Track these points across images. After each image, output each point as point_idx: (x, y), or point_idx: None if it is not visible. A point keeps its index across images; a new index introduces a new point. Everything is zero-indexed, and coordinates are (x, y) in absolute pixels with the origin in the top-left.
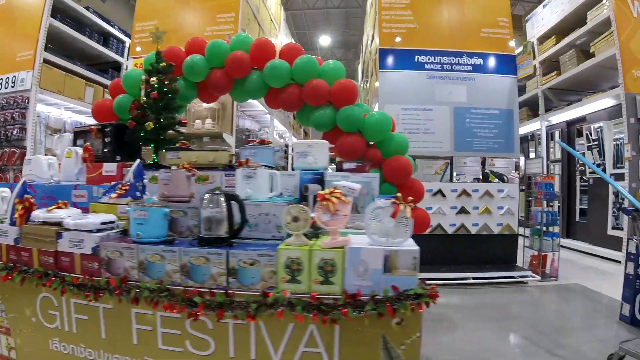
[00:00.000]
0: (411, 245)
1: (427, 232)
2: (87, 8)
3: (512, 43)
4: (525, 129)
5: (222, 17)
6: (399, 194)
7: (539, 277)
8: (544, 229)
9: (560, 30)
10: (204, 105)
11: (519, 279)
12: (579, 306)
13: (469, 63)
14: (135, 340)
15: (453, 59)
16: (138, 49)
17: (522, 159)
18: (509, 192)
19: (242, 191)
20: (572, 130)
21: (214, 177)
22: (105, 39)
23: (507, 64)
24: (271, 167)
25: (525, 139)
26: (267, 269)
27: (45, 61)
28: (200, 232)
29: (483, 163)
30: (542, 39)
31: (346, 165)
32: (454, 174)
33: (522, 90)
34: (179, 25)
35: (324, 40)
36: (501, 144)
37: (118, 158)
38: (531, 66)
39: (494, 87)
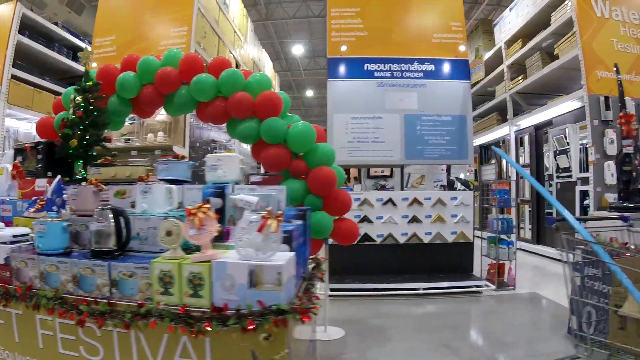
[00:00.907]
0: (276, 261)
1: (378, 241)
2: (55, 23)
3: (462, 47)
4: (495, 134)
5: (176, 31)
6: (269, 208)
7: (494, 287)
8: (503, 236)
9: (526, 34)
10: (157, 118)
11: (474, 289)
12: (528, 317)
13: (420, 69)
14: (41, 345)
15: (403, 66)
16: (94, 64)
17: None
18: (463, 200)
19: (139, 205)
20: (540, 135)
21: (131, 191)
22: (75, 53)
23: (460, 69)
24: (186, 182)
25: (498, 145)
26: (144, 281)
27: (14, 77)
28: (92, 245)
29: (448, 170)
30: (510, 43)
31: (253, 178)
32: (432, 181)
33: (492, 95)
34: (135, 39)
35: (298, 49)
36: (454, 150)
37: (49, 174)
38: (482, 71)
39: (447, 93)
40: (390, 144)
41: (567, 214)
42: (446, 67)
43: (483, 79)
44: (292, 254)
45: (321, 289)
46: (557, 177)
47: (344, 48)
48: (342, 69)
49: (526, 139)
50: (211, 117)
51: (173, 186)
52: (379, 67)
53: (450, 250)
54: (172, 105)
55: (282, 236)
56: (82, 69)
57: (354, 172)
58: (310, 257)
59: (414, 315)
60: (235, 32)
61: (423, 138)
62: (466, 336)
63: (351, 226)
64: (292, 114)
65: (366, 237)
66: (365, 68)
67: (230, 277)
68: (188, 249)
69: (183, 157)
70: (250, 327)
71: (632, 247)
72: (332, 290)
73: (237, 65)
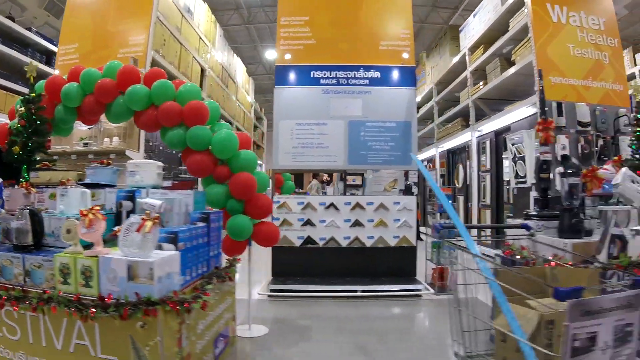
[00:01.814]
0: (151, 258)
1: (321, 244)
2: (29, 29)
3: (405, 55)
4: (460, 139)
5: (134, 39)
6: (148, 211)
7: (433, 291)
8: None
9: (487, 40)
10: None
11: (414, 293)
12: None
13: (365, 76)
14: None
15: (349, 73)
16: (56, 72)
17: (461, 168)
18: (406, 205)
19: (57, 207)
20: (500, 140)
21: None
22: (48, 57)
23: (406, 75)
24: (111, 186)
25: (464, 150)
26: (49, 272)
27: None
28: (14, 240)
29: (406, 175)
30: (473, 49)
31: (165, 183)
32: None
33: (456, 101)
34: (96, 48)
35: (271, 54)
36: (398, 156)
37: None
38: (425, 77)
39: (392, 100)
40: (334, 150)
41: (458, 222)
42: (392, 74)
43: (449, 84)
44: (174, 252)
45: (265, 288)
46: (516, 182)
47: (287, 56)
48: (288, 76)
49: (487, 144)
50: (144, 125)
51: (87, 190)
52: (325, 74)
53: (393, 254)
54: (111, 114)
55: (169, 237)
56: (55, 72)
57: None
58: (230, 257)
59: (343, 317)
60: (200, 38)
61: (367, 144)
62: (386, 340)
63: (271, 229)
64: (223, 122)
65: (309, 240)
66: (312, 75)
67: (113, 270)
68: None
69: (109, 162)
70: (125, 315)
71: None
72: (272, 290)
73: (203, 71)
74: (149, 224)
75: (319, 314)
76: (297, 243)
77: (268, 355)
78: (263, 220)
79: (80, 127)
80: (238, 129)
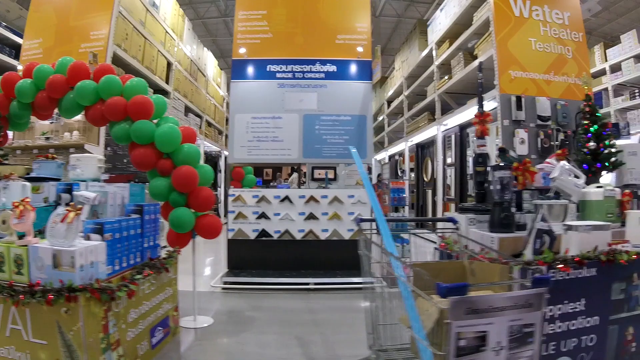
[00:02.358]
0: (74, 247)
1: (275, 237)
2: None
3: (360, 49)
4: (427, 134)
5: (95, 34)
6: (73, 203)
7: (386, 284)
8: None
9: (452, 34)
10: (75, 117)
11: (367, 286)
12: (402, 313)
13: (321, 70)
14: None
15: (305, 67)
16: (19, 67)
17: (430, 163)
18: (360, 198)
19: (0, 199)
20: (464, 134)
21: None
22: (17, 52)
23: (362, 69)
24: (56, 179)
25: (432, 144)
26: None
27: None
28: None
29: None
30: (439, 43)
31: (103, 176)
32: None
33: (423, 95)
34: (59, 43)
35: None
36: None
37: None
38: (379, 71)
39: (347, 93)
40: (288, 143)
41: (378, 215)
42: (348, 68)
43: (418, 78)
44: (99, 243)
45: (219, 281)
46: None
47: (242, 50)
48: (245, 70)
49: (452, 138)
50: (93, 119)
51: (27, 183)
52: (281, 68)
53: (347, 247)
54: (62, 109)
55: (95, 228)
56: (19, 67)
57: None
58: (172, 249)
59: (291, 310)
60: (167, 32)
61: (321, 137)
62: (325, 332)
63: (213, 221)
64: (170, 116)
65: (264, 233)
66: (268, 69)
67: (40, 259)
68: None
69: (53, 157)
70: (50, 301)
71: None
72: (225, 283)
73: (169, 65)
74: (71, 215)
75: (268, 306)
76: (252, 236)
77: (206, 344)
78: (206, 212)
79: (42, 122)
80: (208, 123)
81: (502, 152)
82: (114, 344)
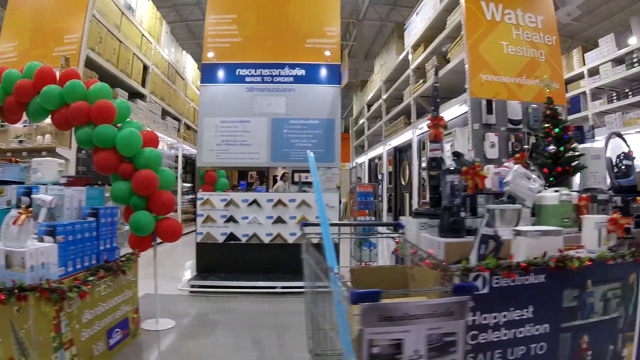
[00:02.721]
0: (24, 248)
1: (243, 241)
2: None
3: (328, 52)
4: (403, 137)
5: (69, 37)
6: (25, 206)
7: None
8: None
9: (427, 38)
10: (47, 120)
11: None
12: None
13: (290, 74)
14: None
15: (274, 71)
16: None
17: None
18: (328, 202)
19: None
20: None
21: None
22: None
23: (331, 73)
24: (20, 183)
25: (409, 148)
26: None
27: None
28: None
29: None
30: (415, 47)
31: (62, 180)
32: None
33: (400, 98)
34: (33, 46)
35: None
36: (320, 153)
37: None
38: (347, 76)
39: (316, 97)
40: (256, 147)
41: (323, 219)
42: (317, 72)
43: (395, 82)
44: (50, 244)
45: (187, 284)
46: None
47: (210, 54)
48: (214, 74)
49: (427, 142)
50: (58, 123)
51: None
52: (250, 72)
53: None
54: (29, 113)
55: (48, 230)
56: None
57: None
58: (131, 252)
59: (256, 313)
60: (143, 35)
61: (289, 141)
62: (284, 335)
63: (172, 225)
64: (134, 120)
65: (232, 236)
66: (237, 73)
67: None
68: None
69: (17, 160)
70: (1, 300)
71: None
72: (193, 286)
73: (146, 68)
74: (22, 217)
75: (233, 310)
76: (221, 239)
77: (164, 346)
78: (166, 216)
79: (16, 125)
80: (187, 126)
81: (457, 156)
82: (67, 343)
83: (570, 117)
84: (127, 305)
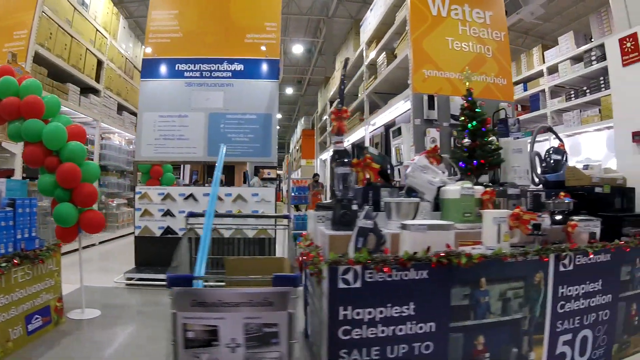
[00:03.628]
0: None
1: (180, 235)
2: None
3: (263, 47)
4: (358, 134)
5: (17, 34)
6: None
7: None
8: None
9: (380, 34)
10: None
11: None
12: None
13: (228, 69)
14: None
15: (213, 66)
16: None
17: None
18: (264, 196)
19: None
20: (389, 134)
21: None
22: None
23: (269, 68)
24: None
25: (362, 144)
26: None
27: None
28: None
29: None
30: (369, 43)
31: None
32: None
33: (357, 95)
34: None
35: None
36: (257, 148)
37: None
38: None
39: (254, 92)
40: (194, 142)
41: (209, 211)
42: (255, 67)
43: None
44: None
45: (123, 277)
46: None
47: (148, 50)
48: (154, 69)
49: (379, 138)
50: None
51: None
52: (189, 67)
53: (252, 245)
54: None
55: None
56: None
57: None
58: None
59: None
60: (98, 30)
61: (226, 136)
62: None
63: (95, 217)
64: (64, 115)
65: (169, 230)
66: (177, 68)
67: None
68: None
69: None
70: None
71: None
72: (128, 279)
73: (100, 63)
74: None
75: (163, 302)
76: (158, 233)
77: (83, 334)
78: (90, 208)
79: None
80: None
81: (361, 149)
82: None
83: (529, 115)
84: (48, 294)
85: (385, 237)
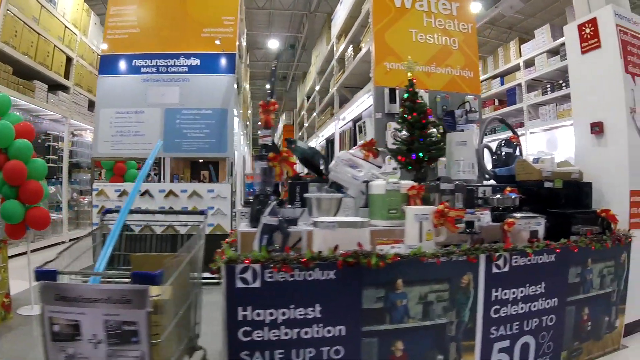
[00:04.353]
0: None
1: (136, 231)
2: None
3: (217, 41)
4: (330, 129)
5: None
6: None
7: None
8: None
9: (348, 27)
10: None
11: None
12: None
13: (185, 64)
14: None
15: (169, 61)
16: None
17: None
18: (220, 192)
19: None
20: (356, 128)
21: None
22: None
23: (226, 62)
24: None
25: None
26: None
27: None
28: None
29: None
30: (339, 37)
31: None
32: None
33: (328, 89)
34: None
35: None
36: (213, 143)
37: None
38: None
39: (210, 87)
40: (150, 138)
41: (125, 207)
42: (211, 62)
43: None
44: None
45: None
46: None
47: (104, 46)
48: (112, 65)
49: (347, 133)
50: None
51: None
52: (145, 62)
53: (207, 242)
54: None
55: None
56: None
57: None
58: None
59: None
60: (66, 27)
61: (182, 131)
62: None
63: (41, 214)
64: (14, 114)
65: (126, 227)
66: (133, 64)
67: None
68: None
69: None
70: None
71: None
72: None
73: (69, 60)
74: None
75: None
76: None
77: (29, 329)
78: (36, 205)
79: None
80: None
81: (290, 142)
82: None
83: (506, 110)
84: None
85: (290, 234)
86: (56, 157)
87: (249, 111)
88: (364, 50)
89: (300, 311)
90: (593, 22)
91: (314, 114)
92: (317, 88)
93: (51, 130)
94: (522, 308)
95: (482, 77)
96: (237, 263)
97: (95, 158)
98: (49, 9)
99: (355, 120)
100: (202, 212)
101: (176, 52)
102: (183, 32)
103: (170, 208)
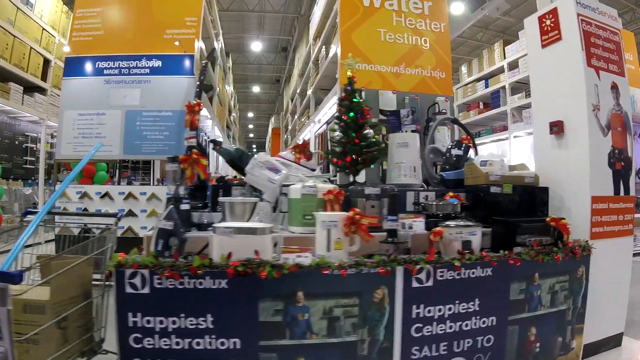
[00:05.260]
0: None
1: (96, 234)
2: None
3: (176, 42)
4: (307, 131)
5: None
6: None
7: None
8: None
9: (321, 28)
10: None
11: None
12: None
13: (146, 66)
14: None
15: (131, 63)
16: None
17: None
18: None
19: None
20: (327, 130)
21: None
22: None
23: (187, 64)
24: None
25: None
26: None
27: None
28: None
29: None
30: (315, 39)
31: None
32: None
33: (305, 92)
34: None
35: None
36: (172, 145)
37: None
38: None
39: (170, 89)
40: (110, 140)
41: (46, 206)
42: (172, 63)
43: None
44: None
45: None
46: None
47: (66, 49)
48: (76, 67)
49: (321, 136)
50: None
51: None
52: (108, 64)
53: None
54: None
55: None
56: None
57: None
58: None
59: None
60: (44, 29)
61: (142, 133)
62: None
63: None
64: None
65: (87, 229)
66: (97, 66)
67: None
68: None
69: None
70: None
71: None
72: None
73: (47, 62)
74: None
75: None
76: (75, 232)
77: None
78: None
79: None
80: None
81: (215, 144)
82: None
83: (490, 113)
84: None
85: (186, 239)
86: (34, 159)
87: (234, 114)
88: (332, 52)
89: (191, 320)
90: (554, 12)
91: (296, 117)
92: (298, 90)
93: (29, 132)
94: (450, 327)
95: (467, 80)
96: (126, 267)
97: (58, 160)
98: (25, 11)
99: (328, 123)
100: (114, 215)
101: (138, 53)
102: (147, 33)
103: (130, 210)
